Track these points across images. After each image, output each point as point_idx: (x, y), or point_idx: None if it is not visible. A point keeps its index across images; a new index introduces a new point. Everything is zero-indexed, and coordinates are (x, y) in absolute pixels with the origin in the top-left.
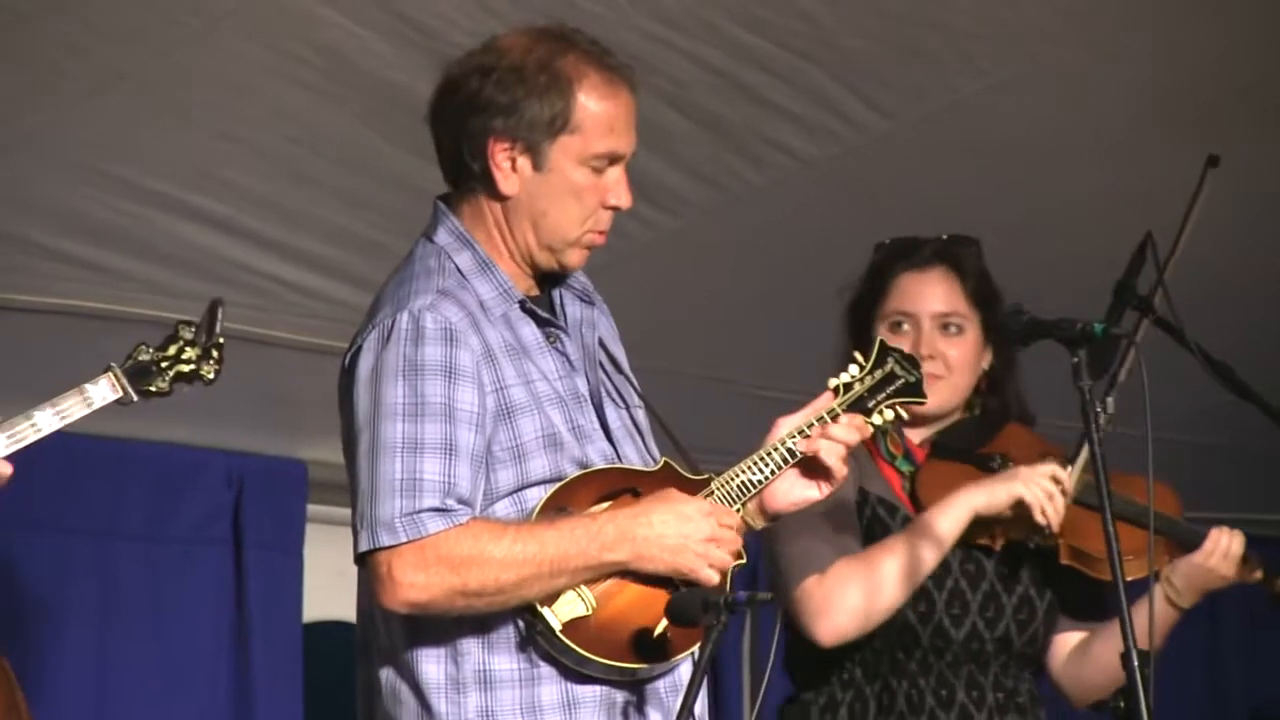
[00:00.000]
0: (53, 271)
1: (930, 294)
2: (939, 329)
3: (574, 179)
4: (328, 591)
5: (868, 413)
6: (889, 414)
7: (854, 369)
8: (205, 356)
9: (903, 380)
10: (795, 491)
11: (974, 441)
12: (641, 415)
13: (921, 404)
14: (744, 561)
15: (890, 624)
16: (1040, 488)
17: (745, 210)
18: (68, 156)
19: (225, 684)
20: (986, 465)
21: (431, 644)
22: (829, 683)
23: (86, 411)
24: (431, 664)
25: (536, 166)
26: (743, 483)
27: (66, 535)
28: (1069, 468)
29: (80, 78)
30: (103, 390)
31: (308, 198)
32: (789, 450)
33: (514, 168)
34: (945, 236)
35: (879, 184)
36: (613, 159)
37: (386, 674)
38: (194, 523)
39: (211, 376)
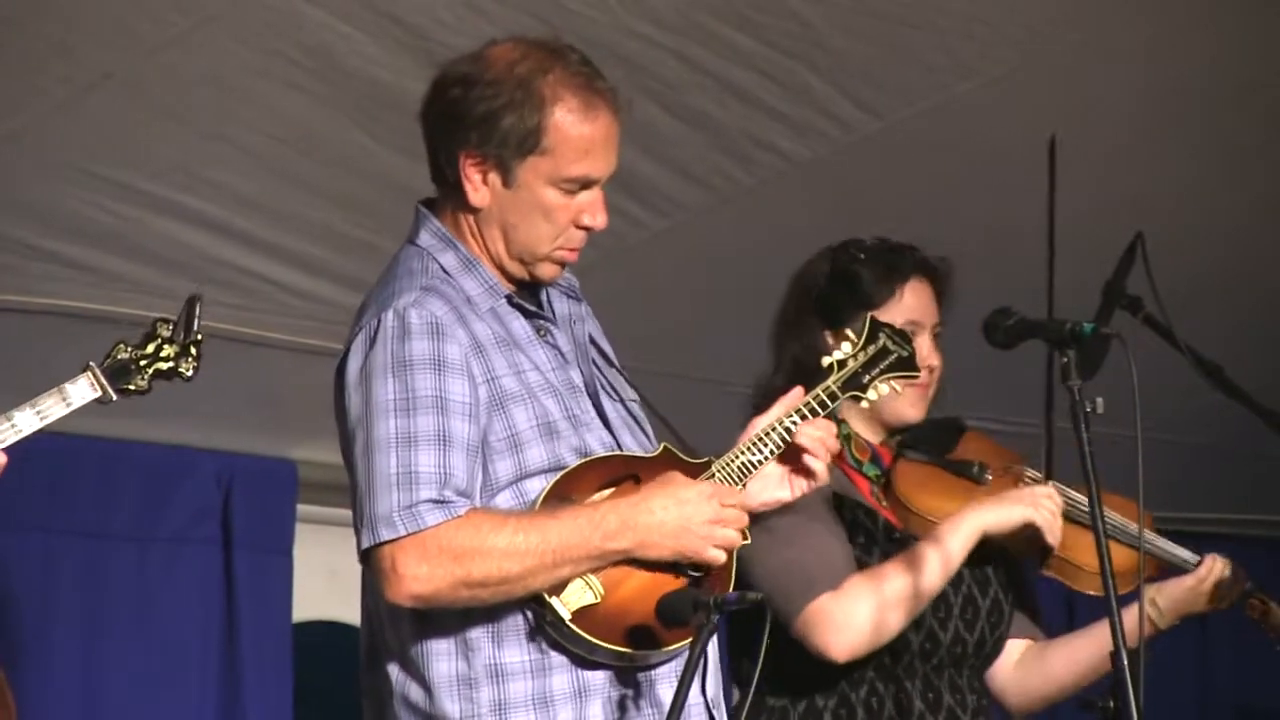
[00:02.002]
0: (40, 271)
1: (929, 305)
2: (934, 339)
3: (544, 198)
4: (317, 591)
5: (863, 388)
6: (884, 389)
7: (846, 346)
8: (184, 354)
9: (896, 355)
10: (768, 490)
11: (941, 447)
12: (637, 408)
13: (915, 377)
14: (748, 541)
15: None
16: (1047, 510)
17: (735, 210)
18: (55, 156)
19: (214, 684)
20: (966, 472)
21: (441, 641)
22: (808, 691)
23: (66, 411)
24: (442, 661)
25: (506, 183)
26: (744, 464)
27: (55, 535)
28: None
29: (67, 78)
30: (82, 389)
31: (297, 198)
32: (787, 430)
33: (484, 181)
34: (912, 246)
35: (869, 184)
36: (585, 183)
37: (397, 675)
38: (183, 523)
39: (190, 374)
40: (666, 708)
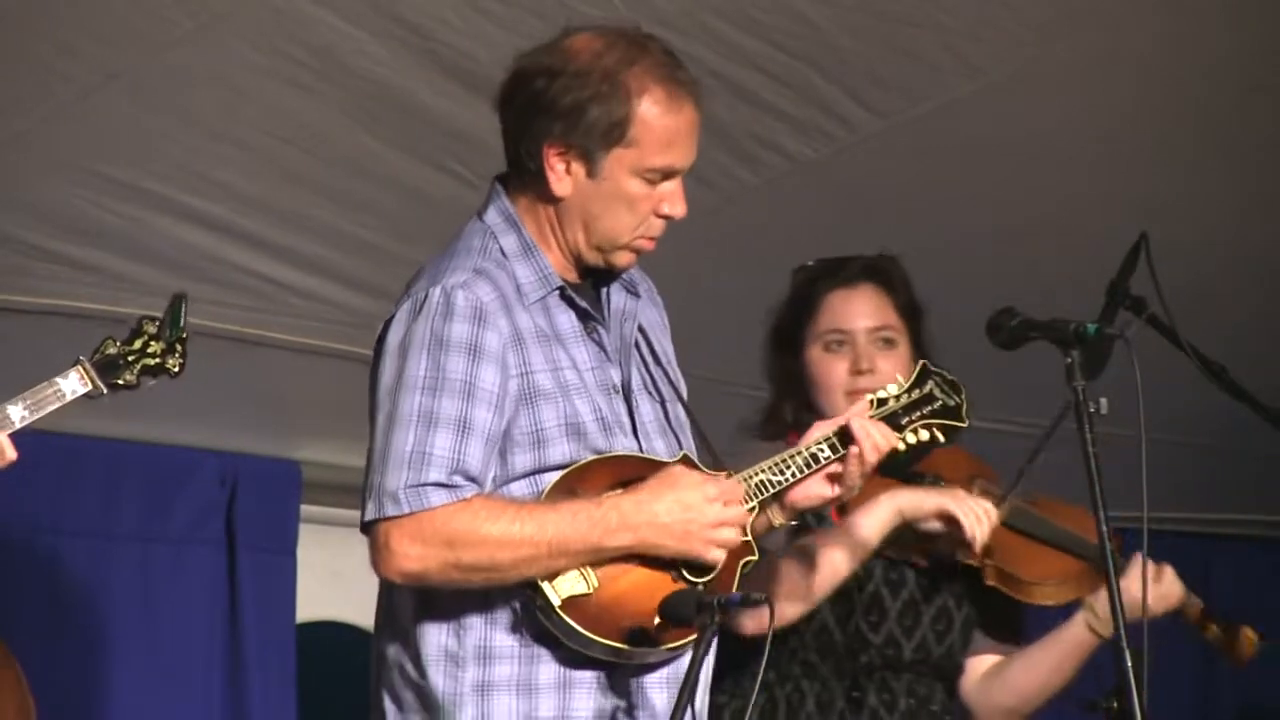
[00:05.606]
0: (46, 272)
1: (862, 310)
2: (874, 343)
3: (627, 189)
4: (321, 592)
5: (899, 429)
6: (924, 434)
7: (892, 387)
8: (170, 350)
9: (941, 403)
10: (812, 488)
11: (911, 461)
12: (681, 412)
13: (962, 427)
14: (755, 558)
15: (808, 626)
16: (969, 505)
17: (739, 210)
18: (60, 157)
19: (219, 684)
20: (919, 482)
21: (437, 618)
22: (741, 685)
23: (59, 404)
24: (435, 637)
25: (590, 173)
26: (760, 482)
27: (60, 536)
28: (1008, 494)
29: (73, 78)
30: (72, 383)
31: (301, 199)
32: (812, 455)
33: (568, 171)
34: (869, 255)
35: (873, 184)
36: (668, 173)
37: (394, 646)
38: (187, 523)
39: (177, 370)
40: (655, 712)
